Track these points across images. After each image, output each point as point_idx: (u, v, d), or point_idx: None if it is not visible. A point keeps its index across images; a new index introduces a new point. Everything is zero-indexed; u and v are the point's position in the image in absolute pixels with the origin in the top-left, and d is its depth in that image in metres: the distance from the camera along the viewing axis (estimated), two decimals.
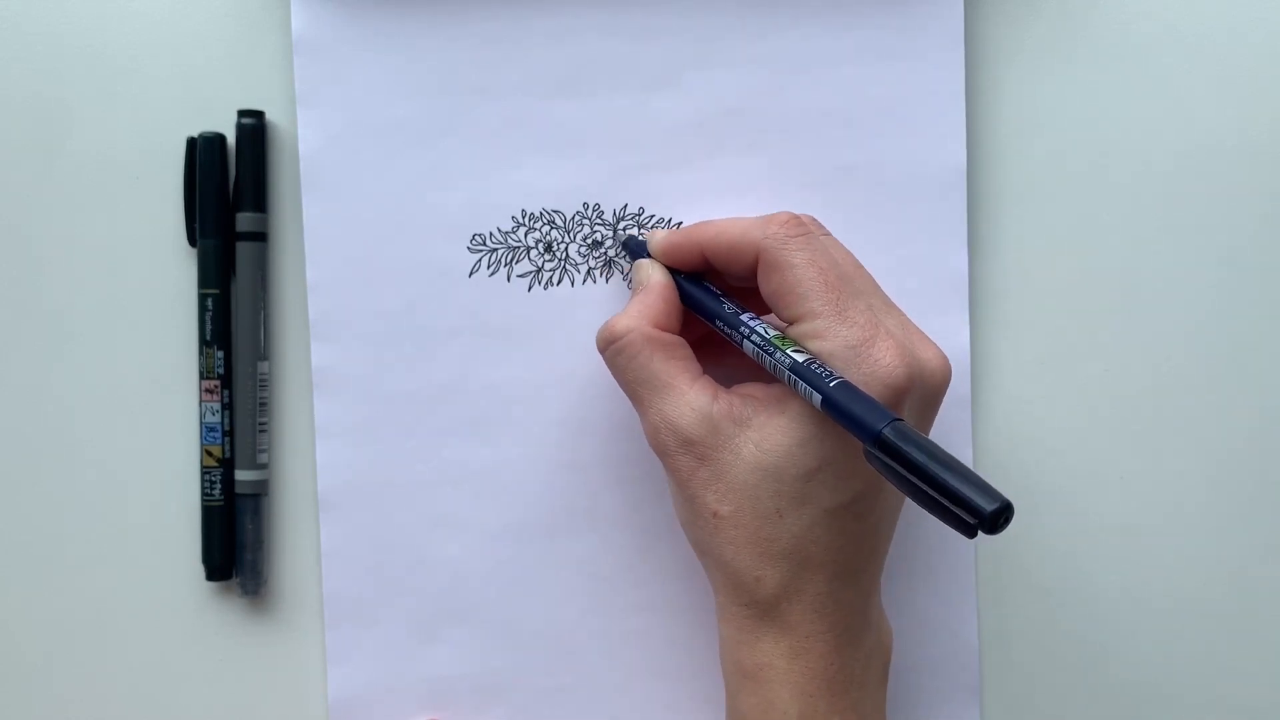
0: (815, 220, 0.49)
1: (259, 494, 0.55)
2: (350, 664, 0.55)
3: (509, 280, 0.55)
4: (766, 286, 0.48)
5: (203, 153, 0.55)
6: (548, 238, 0.55)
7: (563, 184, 0.55)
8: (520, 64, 0.54)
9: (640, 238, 0.54)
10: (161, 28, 0.55)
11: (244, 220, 0.55)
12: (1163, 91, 0.56)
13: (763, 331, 0.48)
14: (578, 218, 0.55)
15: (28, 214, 0.55)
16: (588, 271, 0.55)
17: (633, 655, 0.56)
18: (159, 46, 0.55)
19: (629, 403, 0.50)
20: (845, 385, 0.44)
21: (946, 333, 0.55)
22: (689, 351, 0.50)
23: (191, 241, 0.55)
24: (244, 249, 0.55)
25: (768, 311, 0.49)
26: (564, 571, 0.55)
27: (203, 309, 0.55)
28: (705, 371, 0.50)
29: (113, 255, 0.55)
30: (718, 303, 0.50)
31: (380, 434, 0.55)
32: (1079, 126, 0.56)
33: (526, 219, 0.55)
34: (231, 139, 0.55)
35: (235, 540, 0.55)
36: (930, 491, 0.41)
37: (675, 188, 0.55)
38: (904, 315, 0.49)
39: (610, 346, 0.49)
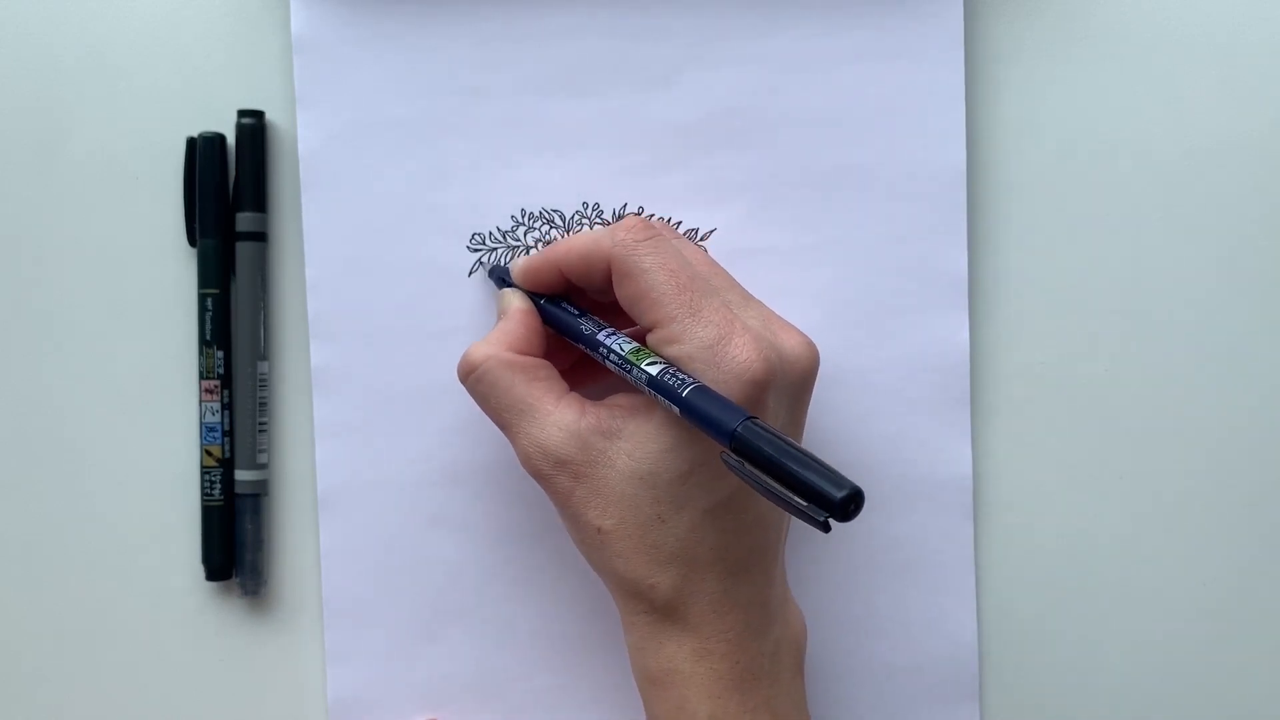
0: (666, 224, 0.49)
1: (259, 494, 0.55)
2: (349, 664, 0.55)
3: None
4: (621, 294, 0.48)
5: (203, 153, 0.55)
6: (547, 237, 0.54)
7: (562, 183, 0.55)
8: (519, 63, 0.54)
9: (504, 265, 0.54)
10: (161, 28, 0.55)
11: (244, 220, 0.55)
12: (1162, 91, 0.56)
13: (619, 348, 0.48)
14: (577, 217, 0.55)
15: (28, 214, 0.55)
16: None
17: None
18: (159, 46, 0.55)
19: None
20: (699, 390, 0.44)
21: (946, 332, 0.55)
22: (553, 372, 0.50)
23: (191, 241, 0.55)
24: (244, 249, 0.55)
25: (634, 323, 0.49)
26: (562, 571, 0.55)
27: (203, 309, 0.55)
28: (587, 390, 0.50)
29: (113, 255, 0.55)
30: (575, 323, 0.50)
31: (380, 433, 0.55)
32: (1079, 126, 0.56)
33: (526, 218, 0.55)
34: (231, 139, 0.55)
35: (235, 540, 0.55)
36: (778, 488, 0.41)
37: (674, 187, 0.55)
38: (765, 307, 0.49)
39: (470, 376, 0.49)
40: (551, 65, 0.54)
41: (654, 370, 0.46)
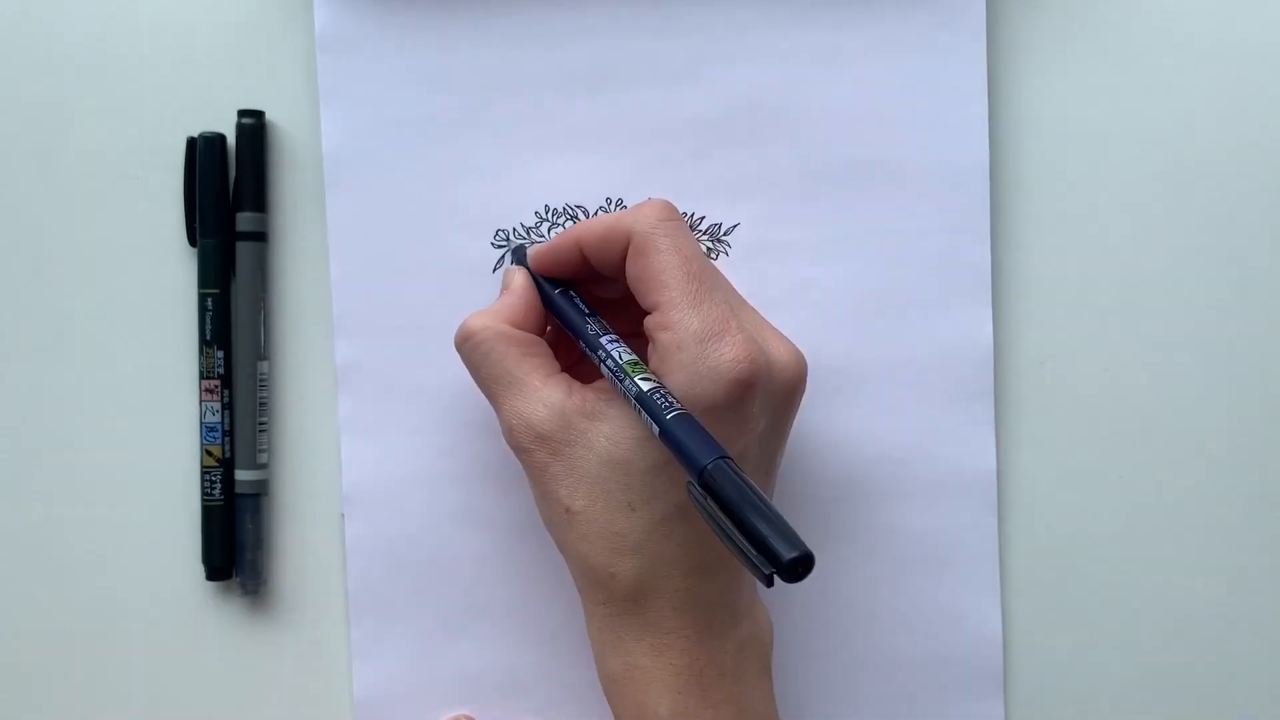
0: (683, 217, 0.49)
1: (259, 494, 0.55)
2: (376, 660, 0.55)
3: None
4: (632, 270, 0.48)
5: (203, 153, 0.55)
6: None
7: (585, 179, 0.55)
8: (543, 59, 0.55)
9: (526, 246, 0.54)
10: (162, 28, 0.55)
11: (244, 220, 0.55)
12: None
13: (617, 356, 0.48)
14: (600, 212, 0.55)
15: (28, 214, 0.55)
16: None
17: None
18: (159, 46, 0.55)
19: None
20: (682, 418, 0.44)
21: (969, 327, 0.55)
22: (545, 349, 0.50)
23: (191, 241, 0.55)
24: (244, 249, 0.55)
25: (638, 326, 0.49)
26: None
27: (203, 309, 0.54)
28: (583, 374, 0.50)
29: (113, 255, 0.55)
30: (582, 322, 0.50)
31: (404, 429, 0.55)
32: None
33: (549, 214, 0.55)
34: (231, 139, 0.55)
35: (235, 540, 0.55)
36: (734, 533, 0.41)
37: (697, 182, 0.55)
38: (760, 316, 0.50)
39: (465, 343, 0.49)
40: (574, 61, 0.55)
41: (645, 386, 0.46)
